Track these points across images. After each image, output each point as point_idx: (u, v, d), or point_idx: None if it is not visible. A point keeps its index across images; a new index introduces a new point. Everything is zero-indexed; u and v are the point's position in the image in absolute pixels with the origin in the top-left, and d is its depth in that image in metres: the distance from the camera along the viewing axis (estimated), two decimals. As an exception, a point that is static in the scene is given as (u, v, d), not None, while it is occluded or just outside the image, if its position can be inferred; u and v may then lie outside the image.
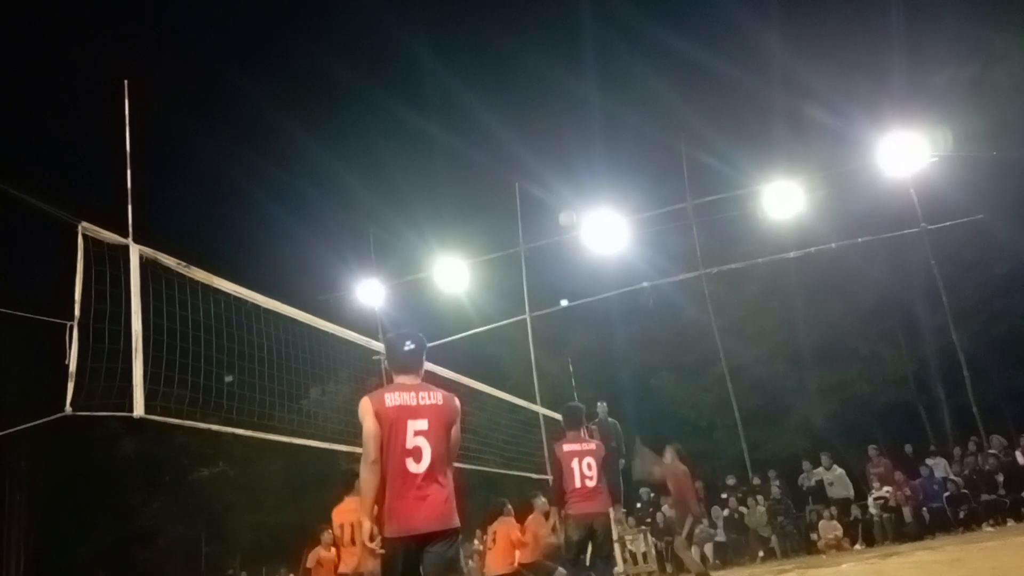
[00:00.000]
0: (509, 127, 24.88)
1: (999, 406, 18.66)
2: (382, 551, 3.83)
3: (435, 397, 4.17)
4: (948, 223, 15.91)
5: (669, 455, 10.70)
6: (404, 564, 3.84)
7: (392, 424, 3.98)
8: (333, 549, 10.43)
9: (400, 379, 4.22)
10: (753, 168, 17.90)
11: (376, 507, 3.93)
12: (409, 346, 4.26)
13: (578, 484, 6.78)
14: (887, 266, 18.67)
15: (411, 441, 3.96)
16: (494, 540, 9.67)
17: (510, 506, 10.08)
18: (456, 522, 4.01)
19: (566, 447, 6.93)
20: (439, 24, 30.12)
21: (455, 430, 4.20)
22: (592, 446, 7.05)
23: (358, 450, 10.25)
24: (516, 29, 29.61)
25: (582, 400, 16.95)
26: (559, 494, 6.89)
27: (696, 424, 21.47)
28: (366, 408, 4.05)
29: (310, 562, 11.69)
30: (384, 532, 3.88)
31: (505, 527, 9.61)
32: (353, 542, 8.14)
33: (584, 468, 6.85)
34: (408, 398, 4.07)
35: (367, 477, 3.95)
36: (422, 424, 4.01)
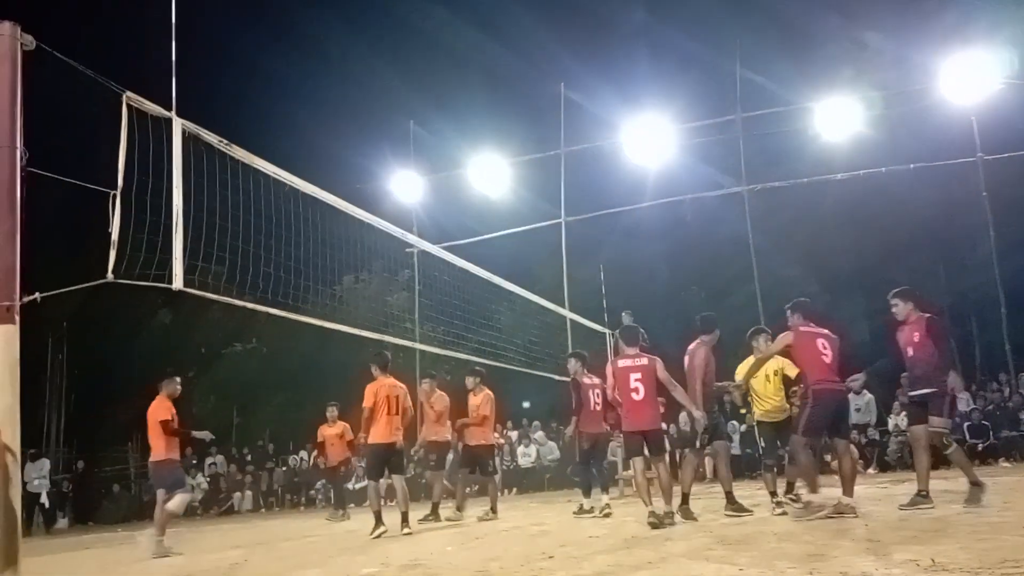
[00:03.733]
0: (554, 30, 24.12)
1: (1031, 346, 18.45)
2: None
3: (642, 360, 7.56)
4: (1007, 155, 15.33)
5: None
6: (637, 444, 7.54)
7: (622, 376, 7.54)
8: (337, 423, 12.88)
9: (627, 351, 7.72)
10: (805, 85, 17.28)
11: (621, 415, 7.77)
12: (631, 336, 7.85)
13: (591, 408, 8.89)
14: (936, 194, 18.13)
15: (632, 384, 7.44)
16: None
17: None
18: (658, 424, 7.70)
19: (586, 380, 8.93)
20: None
21: (660, 374, 7.46)
22: (597, 383, 8.95)
23: (387, 338, 10.56)
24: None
25: (610, 309, 17.17)
26: (578, 412, 8.97)
27: (722, 341, 21.47)
28: (609, 370, 8.02)
29: (320, 437, 13.37)
30: (625, 428, 7.68)
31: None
32: (391, 412, 8.82)
33: (595, 397, 9.10)
34: (629, 362, 7.57)
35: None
36: (637, 375, 7.44)
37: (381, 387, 8.87)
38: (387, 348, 10.72)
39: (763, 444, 8.55)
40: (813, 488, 7.24)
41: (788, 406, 8.18)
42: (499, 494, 17.35)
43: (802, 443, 7.05)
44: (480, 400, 10.11)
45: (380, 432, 8.74)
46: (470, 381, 10.34)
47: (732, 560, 4.76)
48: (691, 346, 7.96)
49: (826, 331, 7.33)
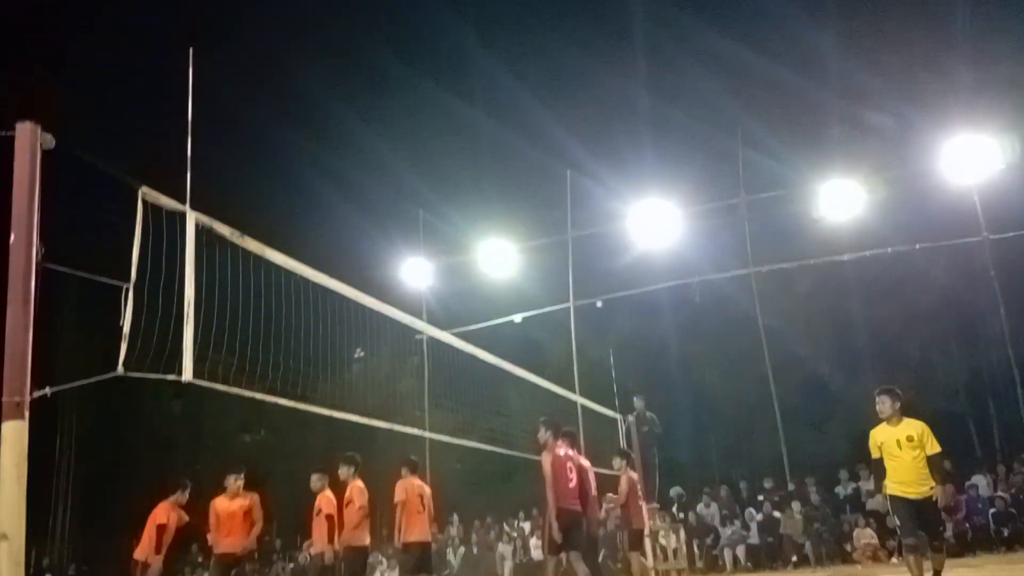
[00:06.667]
0: (559, 118, 24.70)
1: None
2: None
3: (573, 453, 8.45)
4: (1011, 234, 15.41)
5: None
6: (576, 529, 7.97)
7: (563, 463, 8.04)
8: (239, 497, 9.76)
9: (559, 443, 8.24)
10: (809, 167, 17.56)
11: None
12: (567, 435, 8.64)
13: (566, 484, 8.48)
14: (945, 272, 18.16)
15: (568, 471, 8.03)
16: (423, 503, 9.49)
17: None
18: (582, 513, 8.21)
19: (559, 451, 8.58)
20: (489, 16, 29.98)
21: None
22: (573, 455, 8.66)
23: (396, 427, 10.49)
24: (566, 23, 29.42)
25: (620, 392, 17.03)
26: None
27: (736, 421, 21.24)
28: (547, 460, 7.96)
29: (213, 515, 9.73)
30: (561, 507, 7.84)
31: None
32: (420, 510, 9.31)
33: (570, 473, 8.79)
34: (565, 451, 8.20)
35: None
36: (571, 464, 8.13)
37: (410, 486, 9.38)
38: (395, 437, 10.62)
39: (897, 522, 7.35)
40: None
41: (931, 482, 7.10)
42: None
43: (567, 558, 7.82)
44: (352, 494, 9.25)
45: (412, 529, 9.22)
46: (344, 471, 9.43)
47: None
48: None
49: (574, 454, 8.45)
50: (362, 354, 11.51)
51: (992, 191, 15.55)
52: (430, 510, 9.54)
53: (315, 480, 9.96)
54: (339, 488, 9.59)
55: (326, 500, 9.71)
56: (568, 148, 23.39)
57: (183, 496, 9.70)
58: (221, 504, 9.65)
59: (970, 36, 18.39)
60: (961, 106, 16.68)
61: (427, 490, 9.65)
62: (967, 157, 15.40)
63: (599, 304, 19.12)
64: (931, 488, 7.05)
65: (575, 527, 8.00)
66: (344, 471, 9.36)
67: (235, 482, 9.74)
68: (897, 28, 19.84)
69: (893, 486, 7.15)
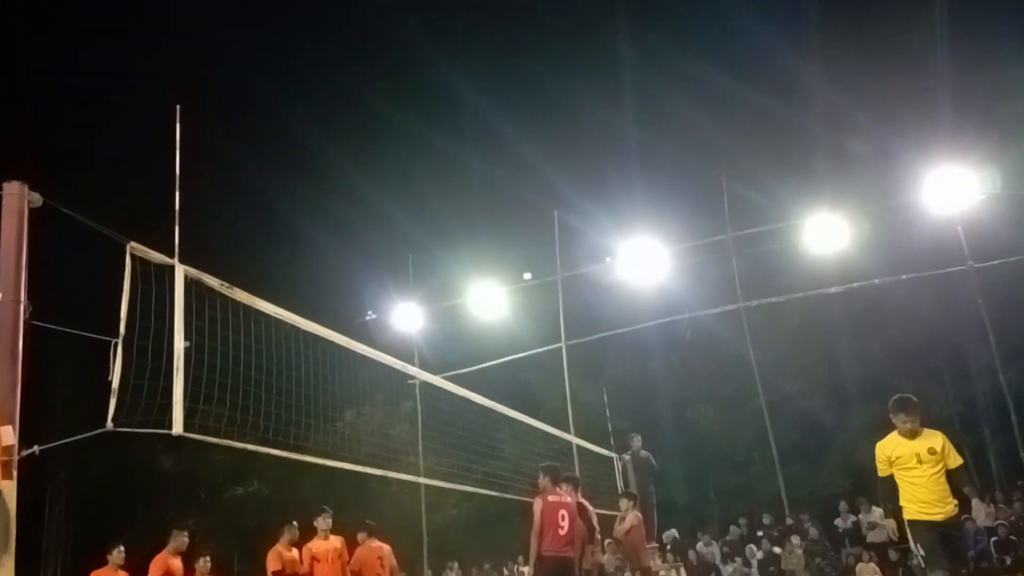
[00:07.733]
0: (547, 157, 25.04)
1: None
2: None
3: (567, 500, 8.01)
4: (996, 262, 15.55)
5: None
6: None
7: (554, 509, 7.80)
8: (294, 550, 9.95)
9: (555, 489, 8.01)
10: (794, 201, 17.71)
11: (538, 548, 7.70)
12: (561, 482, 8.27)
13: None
14: (933, 303, 18.27)
15: (560, 518, 7.74)
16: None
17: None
18: (572, 555, 7.88)
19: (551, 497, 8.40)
20: (479, 57, 30.62)
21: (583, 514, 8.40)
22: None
23: (391, 474, 10.40)
24: (554, 62, 30.00)
25: (616, 431, 16.96)
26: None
27: (733, 458, 21.12)
28: (537, 506, 7.81)
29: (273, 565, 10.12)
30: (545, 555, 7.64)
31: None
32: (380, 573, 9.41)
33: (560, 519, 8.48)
34: (558, 498, 7.90)
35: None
36: (564, 511, 7.81)
37: (368, 552, 9.45)
38: (391, 484, 10.52)
39: (921, 553, 6.16)
40: None
41: (954, 501, 6.15)
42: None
43: None
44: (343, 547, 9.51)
45: None
46: (323, 522, 9.56)
47: None
48: None
49: (568, 500, 8.10)
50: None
51: (974, 221, 15.70)
52: (392, 568, 9.56)
53: (290, 533, 9.74)
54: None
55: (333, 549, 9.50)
56: (556, 187, 23.65)
57: (119, 556, 9.18)
58: (171, 560, 9.29)
59: (950, 71, 18.81)
60: (942, 139, 16.95)
61: (386, 549, 9.65)
62: (949, 188, 15.58)
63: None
64: (955, 506, 6.14)
65: (563, 574, 7.89)
66: (324, 522, 9.46)
67: (181, 539, 9.40)
68: (879, 63, 20.30)
69: (913, 509, 6.18)
